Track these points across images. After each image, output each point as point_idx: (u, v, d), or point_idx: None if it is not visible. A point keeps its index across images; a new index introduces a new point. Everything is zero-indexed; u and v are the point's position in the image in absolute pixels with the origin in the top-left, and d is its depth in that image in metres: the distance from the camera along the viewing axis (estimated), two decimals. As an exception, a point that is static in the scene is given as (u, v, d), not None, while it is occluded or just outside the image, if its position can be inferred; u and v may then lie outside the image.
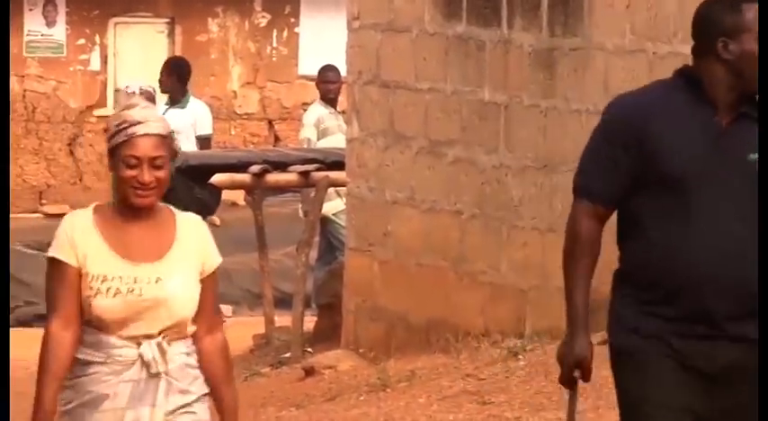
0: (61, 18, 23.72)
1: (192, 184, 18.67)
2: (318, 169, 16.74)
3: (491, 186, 13.44)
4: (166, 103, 18.96)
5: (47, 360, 6.10)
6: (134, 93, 18.49)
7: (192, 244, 6.27)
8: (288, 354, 15.74)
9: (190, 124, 20.16)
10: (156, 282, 6.10)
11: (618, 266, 5.82)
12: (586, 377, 5.79)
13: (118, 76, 24.06)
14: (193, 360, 6.16)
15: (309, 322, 16.80)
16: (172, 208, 6.40)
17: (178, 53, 24.51)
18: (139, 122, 6.05)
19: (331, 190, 16.33)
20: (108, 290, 6.02)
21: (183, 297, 6.18)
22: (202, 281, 6.16)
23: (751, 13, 5.70)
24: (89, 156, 23.38)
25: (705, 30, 5.74)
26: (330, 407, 12.95)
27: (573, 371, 5.77)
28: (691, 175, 5.65)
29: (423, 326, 13.74)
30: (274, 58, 25.55)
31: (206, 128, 20.10)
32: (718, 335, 5.57)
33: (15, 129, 24.14)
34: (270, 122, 24.28)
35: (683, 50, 11.59)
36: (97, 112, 23.17)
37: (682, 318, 5.61)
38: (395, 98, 14.41)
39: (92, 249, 6.11)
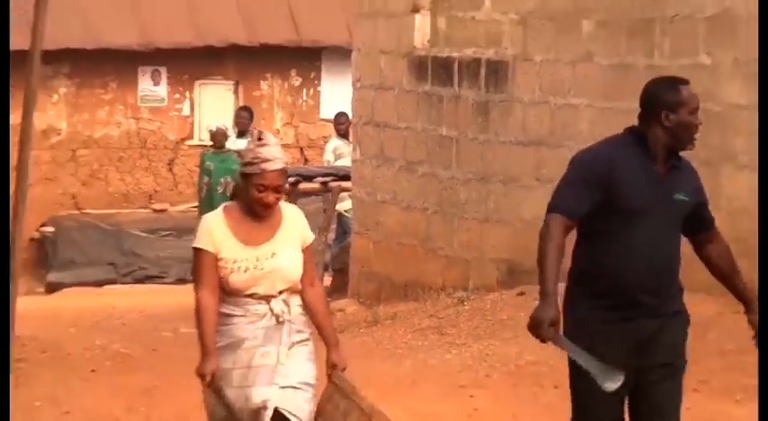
0: (164, 80, 23.48)
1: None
2: (333, 180, 16.81)
3: (447, 192, 13.35)
4: (237, 135, 17.71)
5: (203, 318, 6.05)
6: (215, 129, 17.83)
7: (294, 226, 6.11)
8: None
9: None
10: (272, 256, 5.98)
11: (573, 265, 5.72)
12: (558, 330, 5.67)
13: (201, 119, 23.65)
14: (302, 309, 6.09)
15: (327, 281, 16.30)
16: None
17: (240, 104, 24.56)
18: (269, 160, 5.92)
19: (343, 194, 16.24)
20: (239, 269, 5.92)
21: (292, 265, 6.05)
22: (303, 251, 6.02)
23: (686, 92, 5.51)
24: (182, 172, 23.03)
25: (651, 102, 5.54)
26: (340, 336, 12.42)
27: (551, 328, 5.57)
28: (637, 209, 5.51)
29: (401, 284, 13.64)
30: (304, 107, 25.29)
31: None
32: (644, 315, 5.49)
33: (133, 154, 23.78)
34: (301, 149, 23.58)
35: (574, 102, 11.80)
36: (188, 143, 22.89)
37: (620, 305, 5.53)
38: (384, 133, 14.27)
39: (224, 240, 5.98)
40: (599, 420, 5.48)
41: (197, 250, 5.95)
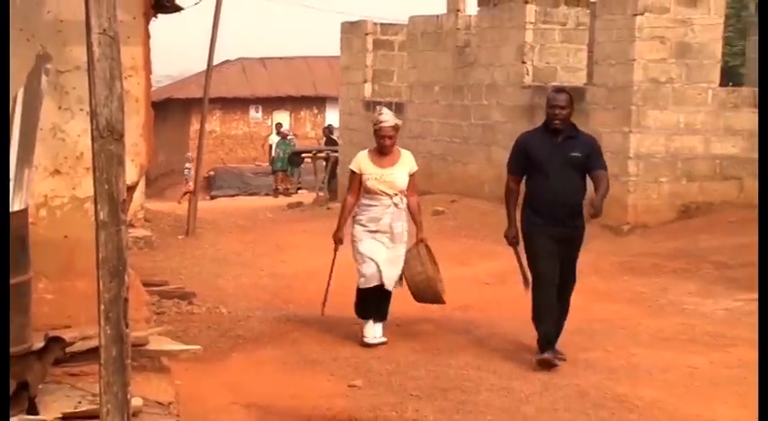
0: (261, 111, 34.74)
1: (298, 156, 26.43)
2: (326, 153, 23.80)
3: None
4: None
5: (343, 210, 8.04)
6: (280, 128, 27.45)
7: (406, 161, 7.96)
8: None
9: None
10: (391, 174, 7.79)
11: (524, 196, 7.30)
12: (517, 241, 7.50)
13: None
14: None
15: (328, 195, 22.57)
16: (398, 147, 8.04)
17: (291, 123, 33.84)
18: (383, 121, 7.77)
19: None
20: (373, 178, 7.79)
21: (401, 180, 7.86)
22: (410, 175, 7.89)
23: (550, 96, 7.25)
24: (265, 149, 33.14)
25: (547, 103, 7.21)
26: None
27: (513, 240, 7.48)
28: (545, 162, 7.17)
29: None
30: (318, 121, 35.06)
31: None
32: (561, 225, 7.21)
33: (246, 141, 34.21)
34: (318, 141, 32.16)
35: (431, 120, 17.72)
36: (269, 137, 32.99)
37: (547, 219, 7.18)
38: (352, 134, 20.76)
39: (366, 165, 7.85)
40: (544, 272, 7.26)
41: (351, 171, 7.94)
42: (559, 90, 7.33)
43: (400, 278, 7.99)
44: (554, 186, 7.04)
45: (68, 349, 5.34)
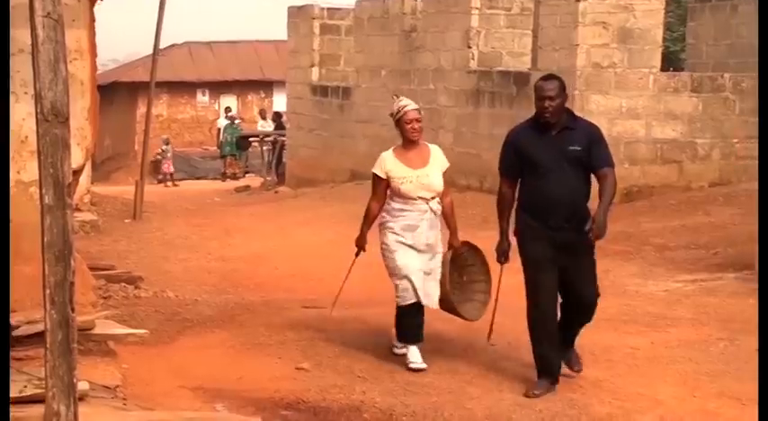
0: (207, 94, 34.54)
1: (246, 141, 26.51)
2: (275, 137, 23.90)
3: (324, 141, 20.02)
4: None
5: (366, 216, 7.10)
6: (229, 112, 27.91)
7: (438, 157, 7.03)
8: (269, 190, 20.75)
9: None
10: (427, 176, 6.88)
11: (519, 200, 6.31)
12: (507, 258, 6.48)
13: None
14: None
15: (276, 178, 22.53)
16: (426, 143, 7.07)
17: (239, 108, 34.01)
18: (406, 105, 6.89)
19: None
20: (409, 182, 6.87)
21: (438, 182, 6.93)
22: (443, 174, 6.96)
23: (537, 84, 6.20)
24: (213, 133, 33.31)
25: (535, 94, 6.20)
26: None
27: (504, 256, 6.48)
28: (540, 160, 6.18)
29: (306, 180, 19.95)
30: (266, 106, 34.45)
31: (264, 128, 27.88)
32: (562, 229, 6.19)
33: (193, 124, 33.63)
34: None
35: (378, 105, 16.04)
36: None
37: (546, 223, 6.19)
38: (300, 117, 21.10)
39: (394, 166, 6.88)
40: (539, 283, 6.24)
41: (374, 174, 6.95)
42: (548, 77, 6.27)
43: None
44: (552, 187, 6.12)
45: (14, 333, 5.29)
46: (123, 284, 9.57)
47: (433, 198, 6.88)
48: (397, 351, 7.19)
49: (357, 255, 7.21)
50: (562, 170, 6.08)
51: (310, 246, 12.38)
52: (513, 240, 6.41)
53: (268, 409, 6.07)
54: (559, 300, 6.31)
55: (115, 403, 5.36)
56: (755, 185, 10.12)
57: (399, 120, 6.83)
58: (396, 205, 6.86)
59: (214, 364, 7.08)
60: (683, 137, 14.63)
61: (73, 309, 3.93)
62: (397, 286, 6.89)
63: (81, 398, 4.54)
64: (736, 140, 14.84)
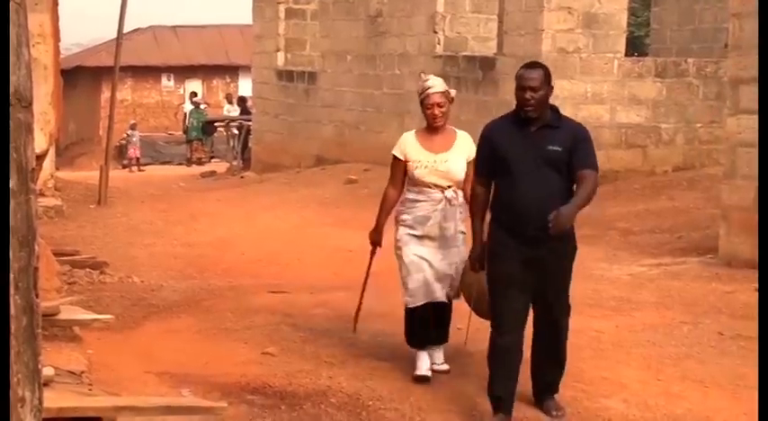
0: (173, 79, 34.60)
1: (212, 126, 26.64)
2: (240, 122, 24.45)
3: (290, 125, 19.96)
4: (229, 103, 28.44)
5: (383, 204, 6.57)
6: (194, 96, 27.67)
7: (464, 144, 6.48)
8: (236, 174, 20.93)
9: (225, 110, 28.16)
10: (446, 161, 6.36)
11: (491, 205, 5.66)
12: (482, 265, 5.81)
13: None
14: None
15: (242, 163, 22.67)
16: (452, 127, 6.50)
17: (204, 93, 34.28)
18: (430, 87, 6.33)
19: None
20: (423, 166, 6.35)
21: (458, 169, 6.37)
22: (468, 163, 6.32)
23: (520, 72, 5.51)
24: (179, 118, 33.97)
25: (516, 83, 5.52)
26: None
27: (479, 263, 5.88)
28: (513, 159, 5.50)
29: (272, 164, 19.83)
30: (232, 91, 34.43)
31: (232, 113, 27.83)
32: (534, 244, 5.46)
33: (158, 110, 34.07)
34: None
35: (341, 90, 17.83)
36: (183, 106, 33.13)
37: (518, 236, 5.51)
38: (266, 103, 21.13)
39: (413, 149, 6.41)
40: (505, 309, 5.55)
41: (393, 157, 6.44)
42: (531, 65, 5.61)
43: (456, 291, 6.41)
44: (526, 192, 5.45)
45: (-23, 320, 5.25)
46: (88, 270, 9.54)
47: (449, 187, 6.34)
48: (420, 373, 6.47)
49: (373, 253, 6.67)
50: (539, 172, 5.46)
51: (276, 231, 12.34)
52: None
53: (234, 394, 6.06)
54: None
55: (81, 388, 5.30)
56: (719, 170, 10.60)
57: (422, 102, 6.36)
58: (410, 195, 6.40)
59: (180, 349, 7.04)
60: (647, 122, 14.71)
61: (37, 295, 3.89)
62: (405, 284, 6.38)
63: (46, 384, 4.51)
64: (699, 125, 14.92)
